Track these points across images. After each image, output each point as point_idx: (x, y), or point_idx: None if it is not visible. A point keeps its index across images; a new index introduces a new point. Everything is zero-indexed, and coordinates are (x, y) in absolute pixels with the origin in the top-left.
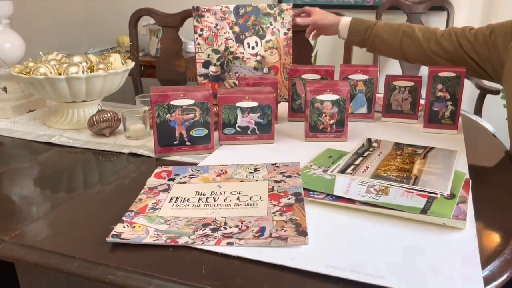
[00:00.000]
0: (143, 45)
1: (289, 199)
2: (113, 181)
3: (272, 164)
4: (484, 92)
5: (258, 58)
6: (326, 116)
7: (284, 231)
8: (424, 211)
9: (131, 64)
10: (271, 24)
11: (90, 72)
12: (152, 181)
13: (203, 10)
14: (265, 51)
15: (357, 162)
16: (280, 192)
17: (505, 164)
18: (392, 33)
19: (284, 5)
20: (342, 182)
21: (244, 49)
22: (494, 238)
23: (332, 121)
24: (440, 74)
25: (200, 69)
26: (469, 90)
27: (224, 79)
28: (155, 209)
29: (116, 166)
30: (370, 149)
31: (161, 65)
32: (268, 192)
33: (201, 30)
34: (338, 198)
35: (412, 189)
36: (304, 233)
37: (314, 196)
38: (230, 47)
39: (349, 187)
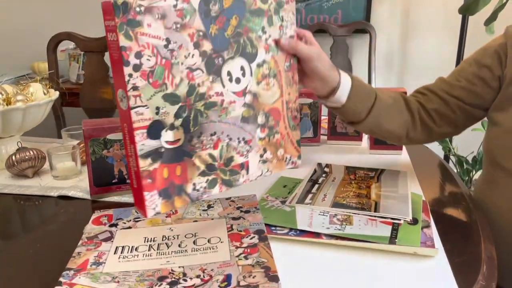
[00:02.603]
0: (62, 71)
1: (251, 238)
2: (41, 231)
3: (227, 199)
4: None
5: (248, 99)
6: None
7: (253, 277)
8: (392, 239)
9: (54, 94)
10: (264, 32)
11: (7, 105)
12: (90, 228)
13: (137, 10)
14: (257, 84)
15: (314, 190)
16: (240, 231)
17: (449, 178)
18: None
19: None
20: (303, 214)
21: (224, 86)
22: (465, 264)
23: None
24: None
25: (144, 143)
26: None
27: (192, 154)
28: (99, 264)
29: (44, 213)
30: (323, 175)
31: (85, 92)
32: (228, 231)
33: (138, 56)
34: (303, 232)
35: (375, 216)
36: (275, 278)
37: (277, 232)
38: (198, 85)
39: (311, 218)
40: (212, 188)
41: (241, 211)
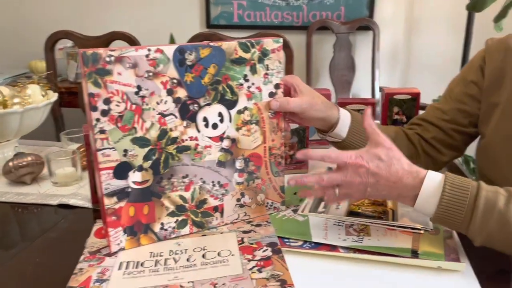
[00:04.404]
0: (60, 70)
1: (264, 251)
2: (41, 243)
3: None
4: None
5: (226, 144)
6: (285, 146)
7: None
8: (414, 252)
9: (53, 96)
10: (246, 80)
11: (3, 108)
12: (92, 242)
13: (107, 59)
14: (237, 130)
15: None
16: (252, 243)
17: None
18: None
19: (268, 42)
20: (317, 224)
21: (199, 131)
22: (493, 280)
23: (292, 152)
24: (395, 97)
25: (110, 183)
26: None
27: (161, 195)
28: (102, 281)
29: (43, 223)
30: None
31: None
32: (239, 244)
33: (106, 102)
34: (318, 244)
35: (394, 226)
36: None
37: (290, 245)
38: (171, 129)
39: (326, 229)
40: (182, 229)
41: (252, 225)
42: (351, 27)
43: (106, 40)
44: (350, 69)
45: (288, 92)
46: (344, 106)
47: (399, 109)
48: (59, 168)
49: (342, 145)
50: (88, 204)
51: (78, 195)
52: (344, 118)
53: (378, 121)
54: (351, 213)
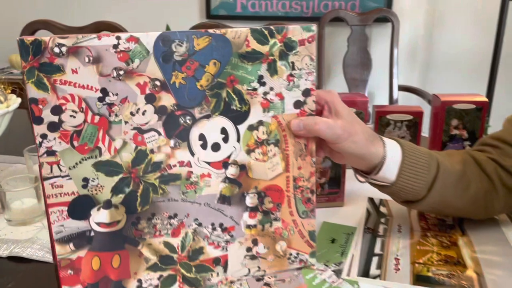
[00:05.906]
0: None
1: None
2: None
3: (258, 280)
4: None
5: (231, 172)
6: (316, 172)
7: None
8: None
9: (14, 102)
10: (261, 83)
11: None
12: None
13: (55, 50)
14: (248, 153)
15: (377, 250)
16: None
17: None
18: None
19: (295, 30)
20: None
21: (193, 154)
22: None
23: (323, 180)
24: (455, 106)
25: (63, 224)
26: None
27: (138, 242)
28: None
29: None
30: (382, 220)
31: None
32: None
33: (55, 111)
34: None
35: None
36: None
37: None
38: (152, 151)
39: None
40: None
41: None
42: (367, 18)
43: (90, 31)
44: (365, 66)
45: (319, 113)
46: (384, 116)
47: (459, 122)
48: (16, 200)
49: (391, 190)
50: (49, 257)
51: (37, 241)
52: (393, 154)
53: (426, 135)
54: (418, 277)
